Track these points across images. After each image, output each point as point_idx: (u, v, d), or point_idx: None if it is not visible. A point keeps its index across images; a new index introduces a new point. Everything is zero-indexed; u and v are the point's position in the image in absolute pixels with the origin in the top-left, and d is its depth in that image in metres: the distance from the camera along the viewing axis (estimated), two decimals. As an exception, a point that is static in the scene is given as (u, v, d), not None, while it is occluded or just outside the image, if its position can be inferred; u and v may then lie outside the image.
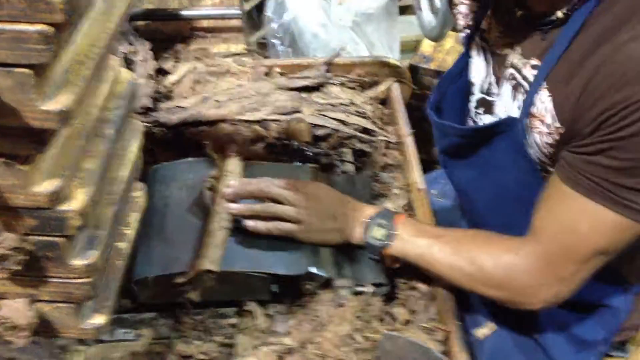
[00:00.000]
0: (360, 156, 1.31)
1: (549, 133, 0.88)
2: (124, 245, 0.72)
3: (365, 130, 1.31)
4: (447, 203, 1.36)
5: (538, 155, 0.94)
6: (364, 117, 1.34)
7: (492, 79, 1.04)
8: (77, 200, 0.58)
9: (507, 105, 0.99)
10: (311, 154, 1.20)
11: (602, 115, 0.78)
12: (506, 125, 0.96)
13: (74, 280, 0.60)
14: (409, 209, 1.18)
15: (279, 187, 1.00)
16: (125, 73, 0.74)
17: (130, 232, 0.73)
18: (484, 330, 1.16)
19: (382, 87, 1.42)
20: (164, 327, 0.99)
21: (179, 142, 1.25)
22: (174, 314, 1.00)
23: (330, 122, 1.30)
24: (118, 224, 0.68)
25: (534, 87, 0.89)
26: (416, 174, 1.20)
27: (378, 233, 1.00)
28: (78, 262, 0.60)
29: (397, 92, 1.40)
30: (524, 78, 0.93)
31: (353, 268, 1.04)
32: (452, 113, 1.13)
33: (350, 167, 1.26)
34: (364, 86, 1.43)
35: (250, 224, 0.99)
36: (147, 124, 1.26)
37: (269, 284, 1.02)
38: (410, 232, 0.99)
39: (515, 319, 1.12)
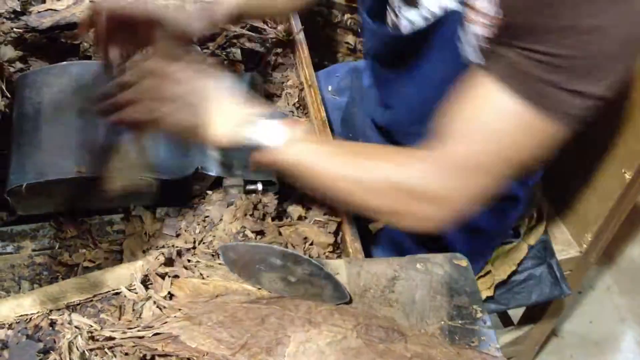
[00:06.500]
0: (250, 56, 1.26)
1: (490, 25, 0.76)
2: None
3: (254, 29, 1.26)
4: (342, 100, 1.34)
5: (472, 51, 0.82)
6: (253, 16, 1.28)
7: None
8: None
9: None
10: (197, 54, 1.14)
11: None
12: (445, 21, 0.84)
13: None
14: (301, 107, 1.16)
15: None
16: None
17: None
18: (377, 224, 1.18)
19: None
20: (46, 238, 0.95)
21: (53, 47, 1.17)
22: (57, 224, 0.96)
23: (218, 21, 1.24)
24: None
25: None
26: (307, 70, 1.17)
27: (262, 131, 0.81)
28: None
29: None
30: None
31: (243, 167, 1.02)
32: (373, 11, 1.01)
33: (240, 67, 1.22)
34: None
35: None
36: (17, 30, 1.16)
37: (156, 188, 0.99)
38: (301, 135, 0.82)
39: None
